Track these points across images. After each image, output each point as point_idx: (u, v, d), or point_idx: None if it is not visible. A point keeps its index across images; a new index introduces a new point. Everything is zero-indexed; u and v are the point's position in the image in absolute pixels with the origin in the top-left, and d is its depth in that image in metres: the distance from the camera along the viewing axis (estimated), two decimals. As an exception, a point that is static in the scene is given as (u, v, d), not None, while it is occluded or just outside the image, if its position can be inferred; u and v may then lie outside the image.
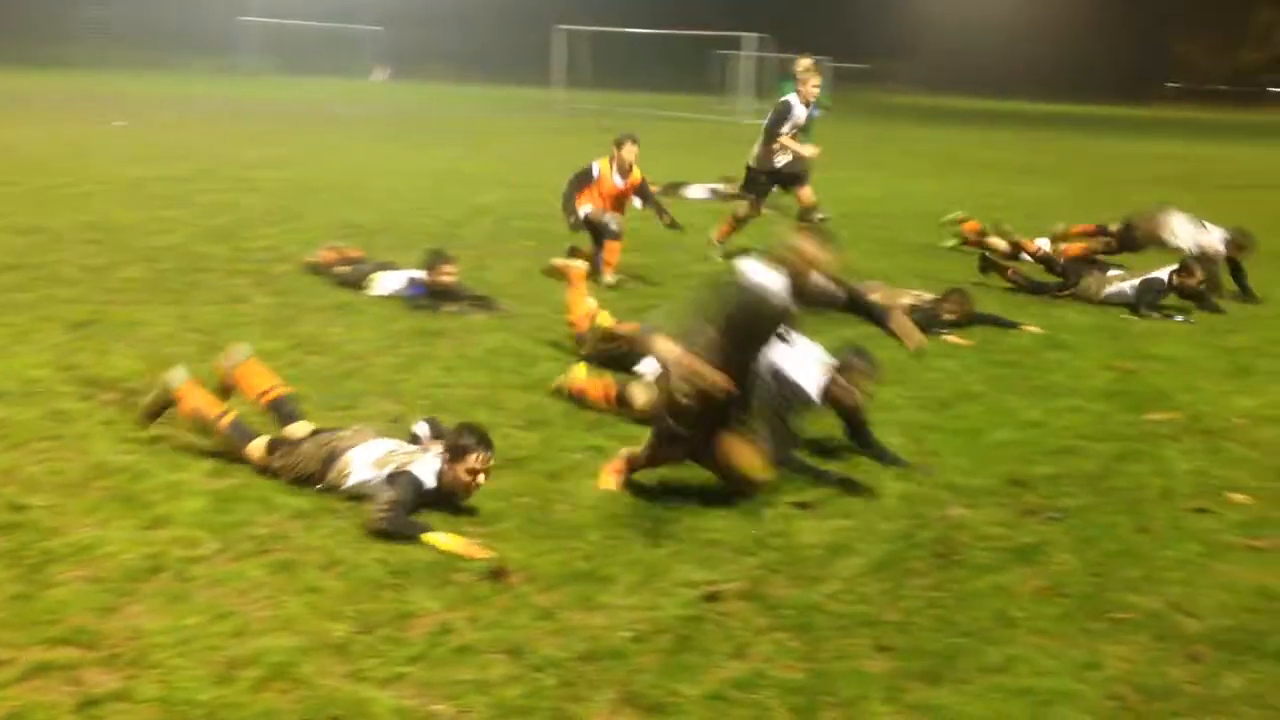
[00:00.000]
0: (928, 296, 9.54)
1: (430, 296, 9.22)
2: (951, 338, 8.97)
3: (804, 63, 12.85)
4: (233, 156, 20.16)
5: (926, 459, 6.20)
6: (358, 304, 9.31)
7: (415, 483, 5.05)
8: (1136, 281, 10.53)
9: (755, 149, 12.58)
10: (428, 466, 5.13)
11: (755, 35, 45.13)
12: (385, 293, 9.50)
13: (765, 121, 12.58)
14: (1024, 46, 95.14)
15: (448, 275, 9.35)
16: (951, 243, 13.65)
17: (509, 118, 37.50)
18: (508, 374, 7.51)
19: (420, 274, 9.39)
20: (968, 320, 9.28)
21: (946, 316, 9.19)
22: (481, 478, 5.12)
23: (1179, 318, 10.13)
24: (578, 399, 6.85)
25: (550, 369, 7.56)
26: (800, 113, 12.24)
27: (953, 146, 32.95)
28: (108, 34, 63.45)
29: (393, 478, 5.08)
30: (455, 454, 5.09)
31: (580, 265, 8.61)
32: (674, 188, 18.10)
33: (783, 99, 12.46)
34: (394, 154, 23.19)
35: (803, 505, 5.45)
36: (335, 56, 64.86)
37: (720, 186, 18.00)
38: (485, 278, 10.61)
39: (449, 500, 5.14)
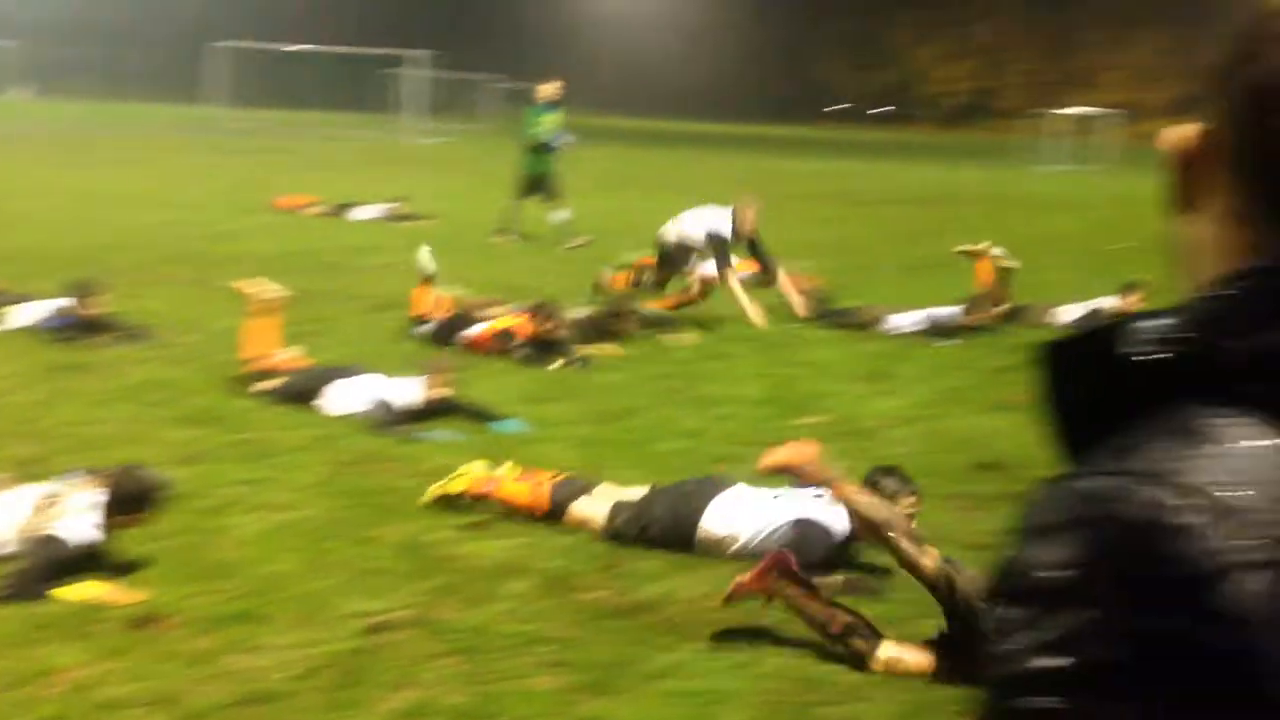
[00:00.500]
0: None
1: (77, 329, 8.59)
2: (606, 348, 9.14)
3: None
4: None
5: (597, 471, 6.29)
6: (-11, 339, 8.60)
7: (57, 545, 4.59)
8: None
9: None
10: (81, 521, 4.73)
11: (422, 53, 44.80)
12: (23, 325, 8.80)
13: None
14: (687, 69, 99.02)
15: (97, 306, 8.75)
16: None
17: (163, 137, 35.70)
18: (159, 408, 7.12)
19: (67, 304, 8.75)
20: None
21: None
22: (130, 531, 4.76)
23: None
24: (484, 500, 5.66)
25: (207, 401, 7.23)
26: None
27: (619, 165, 33.77)
28: None
29: (37, 542, 4.64)
30: (119, 506, 4.70)
31: (274, 293, 7.96)
32: (343, 209, 17.77)
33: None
34: (36, 175, 21.61)
35: (472, 528, 5.41)
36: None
37: (394, 206, 17.78)
38: (141, 306, 10.03)
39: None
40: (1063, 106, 50.83)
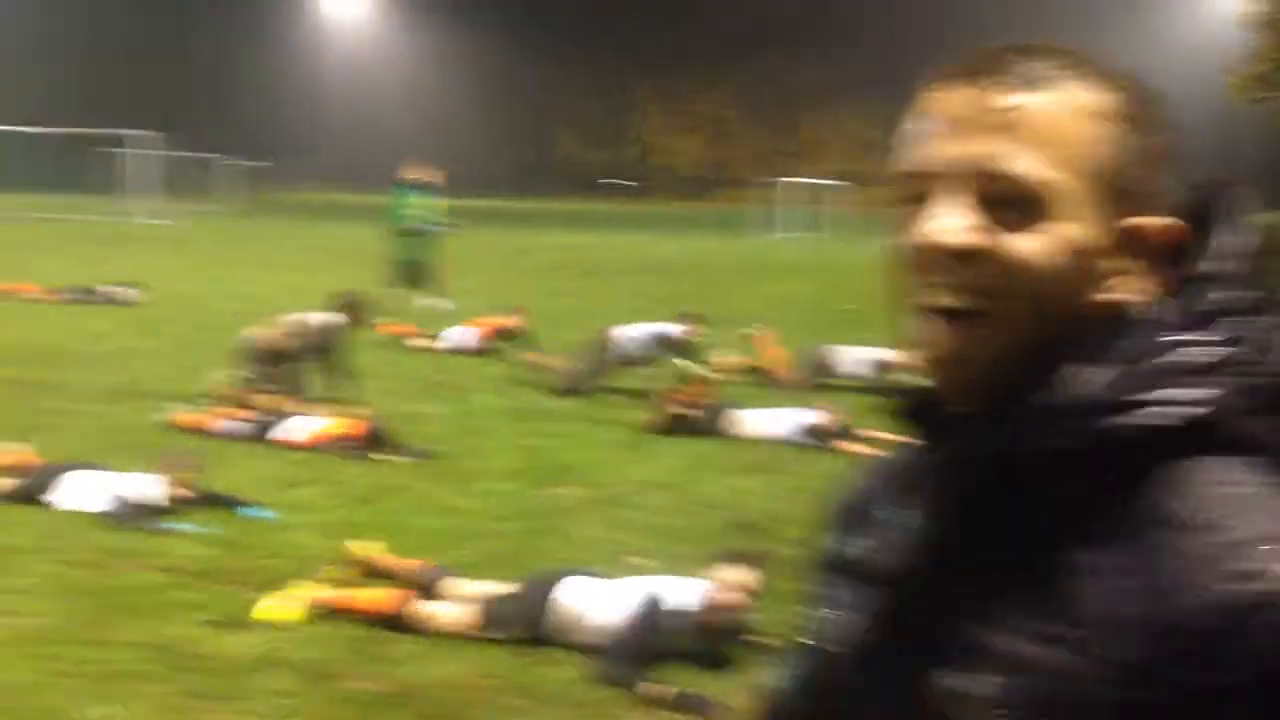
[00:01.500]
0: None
1: None
2: None
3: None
4: None
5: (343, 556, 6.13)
6: None
7: None
8: None
9: None
10: None
11: (149, 133, 43.15)
12: None
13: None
14: (425, 144, 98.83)
15: None
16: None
17: None
18: None
19: None
20: None
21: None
22: None
23: None
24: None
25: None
26: None
27: (354, 241, 33.30)
28: None
29: None
30: None
31: None
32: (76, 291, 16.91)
33: None
34: None
35: (225, 623, 5.17)
36: None
37: (121, 291, 17.00)
38: None
39: None
40: (791, 176, 53.15)
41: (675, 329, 11.12)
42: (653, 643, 4.86)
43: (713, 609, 4.93)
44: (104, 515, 6.50)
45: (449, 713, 4.49)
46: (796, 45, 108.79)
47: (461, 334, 13.31)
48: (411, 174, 16.46)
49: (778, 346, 11.94)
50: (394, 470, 7.98)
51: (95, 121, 47.64)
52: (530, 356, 11.77)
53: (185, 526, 6.46)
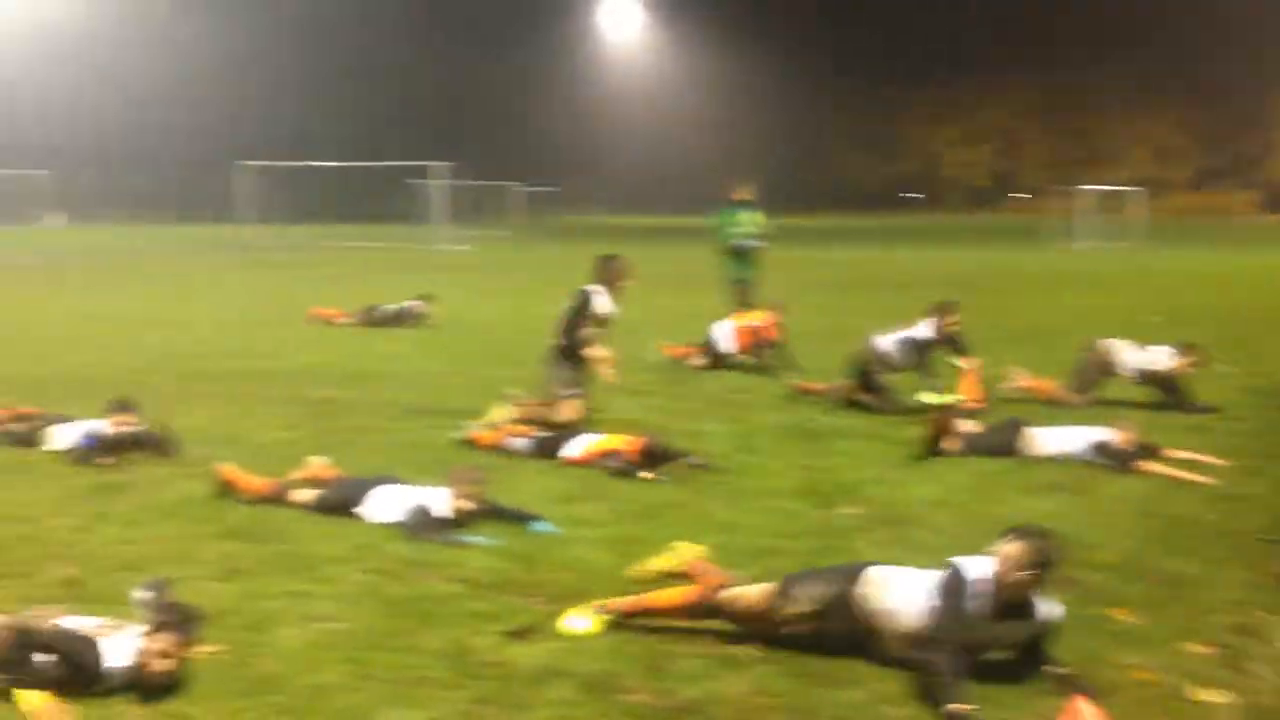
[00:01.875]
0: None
1: (106, 449, 8.67)
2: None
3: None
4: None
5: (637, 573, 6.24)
6: (30, 462, 8.69)
7: (85, 648, 4.65)
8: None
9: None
10: (121, 643, 4.74)
11: (444, 164, 45.59)
12: (62, 447, 8.90)
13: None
14: (703, 163, 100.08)
15: (128, 424, 8.86)
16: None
17: (192, 257, 36.30)
18: (199, 523, 7.14)
19: (99, 424, 8.86)
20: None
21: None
22: (170, 663, 4.69)
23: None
24: None
25: (246, 515, 7.26)
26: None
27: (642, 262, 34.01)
28: None
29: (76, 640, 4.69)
30: (154, 630, 4.71)
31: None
32: (371, 310, 18.16)
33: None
34: (68, 301, 22.00)
35: (515, 633, 5.38)
36: (3, 204, 61.35)
37: (414, 305, 18.17)
38: (179, 424, 10.11)
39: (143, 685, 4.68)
40: (1086, 184, 51.04)
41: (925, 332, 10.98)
42: (963, 622, 4.82)
43: (1003, 583, 4.91)
44: (401, 527, 6.88)
45: (727, 730, 4.50)
46: (1087, 49, 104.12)
47: (723, 333, 13.68)
48: (739, 193, 16.18)
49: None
50: (672, 487, 8.09)
51: (399, 155, 50.75)
52: (794, 382, 11.77)
53: (477, 539, 6.75)
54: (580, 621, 5.46)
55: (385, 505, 7.12)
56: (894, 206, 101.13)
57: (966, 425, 9.27)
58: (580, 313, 10.01)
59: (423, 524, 6.83)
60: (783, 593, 5.22)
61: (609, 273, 10.17)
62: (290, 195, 54.71)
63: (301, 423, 10.27)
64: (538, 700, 4.72)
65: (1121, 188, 53.78)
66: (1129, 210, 49.28)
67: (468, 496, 7.02)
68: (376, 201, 61.64)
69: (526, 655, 5.14)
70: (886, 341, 11.06)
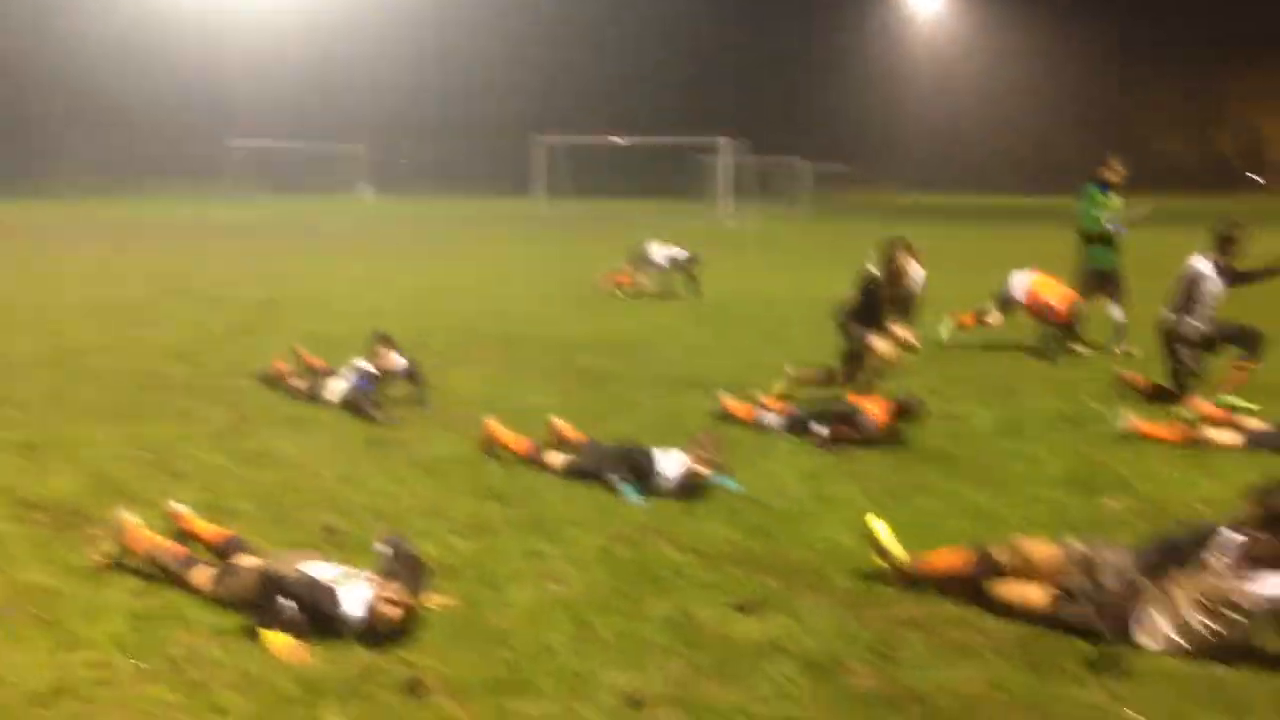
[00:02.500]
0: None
1: (378, 386, 9.25)
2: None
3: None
4: (204, 276, 20.25)
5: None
6: (312, 415, 9.23)
7: (325, 596, 4.88)
8: None
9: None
10: (356, 592, 4.95)
11: (732, 140, 45.76)
12: (338, 398, 9.44)
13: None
14: (1003, 141, 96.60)
15: (390, 359, 9.42)
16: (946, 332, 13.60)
17: (488, 229, 37.81)
18: (456, 480, 7.40)
19: (363, 364, 9.40)
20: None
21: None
22: (398, 611, 4.85)
23: None
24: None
25: (500, 474, 7.48)
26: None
27: (936, 241, 33.10)
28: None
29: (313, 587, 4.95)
30: (387, 579, 4.90)
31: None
32: (641, 254, 18.62)
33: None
34: (370, 269, 23.30)
35: (742, 606, 5.31)
36: (322, 175, 65.72)
37: (678, 254, 18.43)
38: (449, 385, 10.57)
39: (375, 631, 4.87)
40: None
41: None
42: None
43: None
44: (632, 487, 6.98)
45: (954, 722, 4.29)
46: None
47: (1020, 282, 13.27)
48: (1111, 172, 13.78)
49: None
50: (924, 468, 7.82)
51: (689, 131, 51.32)
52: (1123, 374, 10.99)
53: (728, 482, 7.00)
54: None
55: (624, 471, 7.19)
56: (1215, 188, 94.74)
57: (1252, 422, 8.56)
58: (866, 293, 9.76)
59: (658, 483, 6.92)
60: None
61: (890, 251, 9.78)
62: (582, 168, 56.17)
63: (570, 390, 10.50)
64: (758, 675, 4.63)
65: None
66: None
67: (704, 461, 7.00)
68: (665, 176, 62.54)
69: (749, 629, 5.06)
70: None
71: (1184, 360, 10.17)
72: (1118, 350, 12.95)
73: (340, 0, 74.18)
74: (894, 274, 9.65)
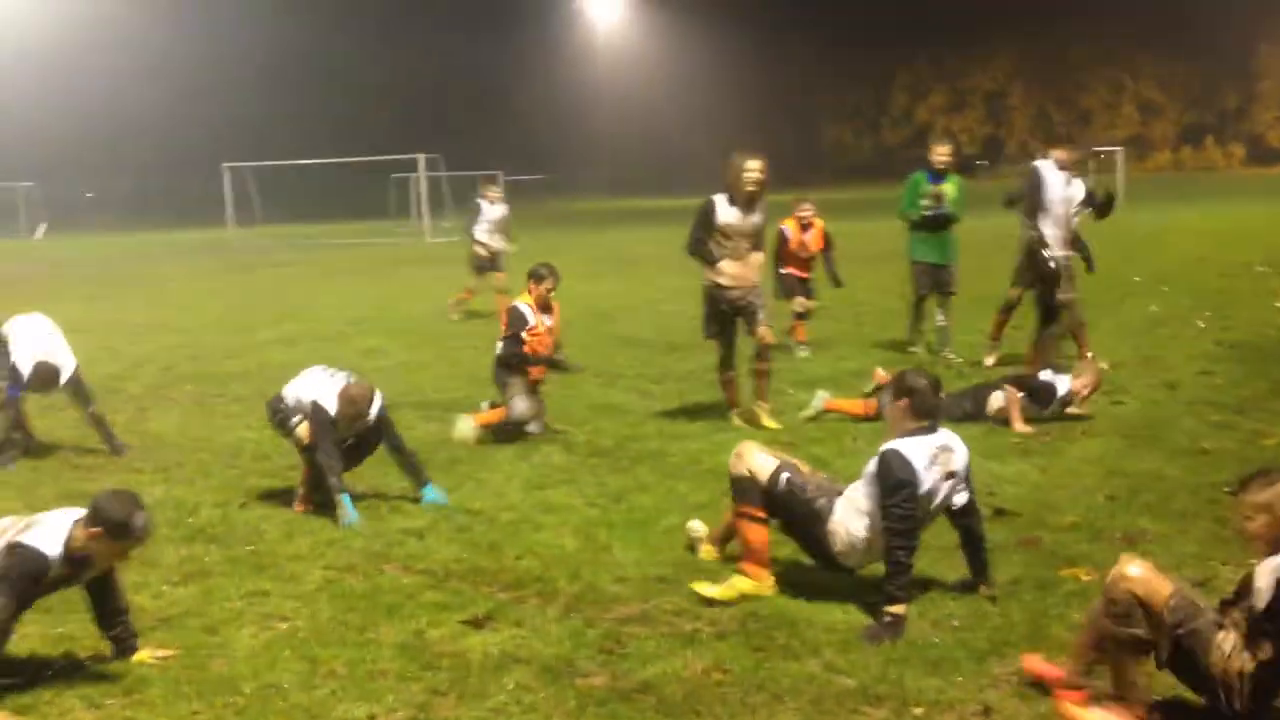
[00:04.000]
0: None
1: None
2: None
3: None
4: None
5: (599, 555, 6.24)
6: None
7: (31, 559, 4.64)
8: None
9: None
10: (51, 532, 4.72)
11: (426, 156, 45.48)
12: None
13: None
14: (689, 143, 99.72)
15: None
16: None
17: (178, 262, 36.20)
18: (164, 526, 7.08)
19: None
20: None
21: None
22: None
23: None
24: None
25: (213, 515, 7.25)
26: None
27: (628, 245, 33.93)
28: None
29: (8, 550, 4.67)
30: (101, 526, 4.69)
31: None
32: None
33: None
34: (51, 311, 21.88)
35: (472, 622, 5.36)
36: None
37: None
38: (147, 428, 10.14)
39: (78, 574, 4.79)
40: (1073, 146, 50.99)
41: None
42: None
43: None
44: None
45: (685, 709, 4.48)
46: (1069, 13, 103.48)
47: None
48: (939, 154, 12.13)
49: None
50: (639, 469, 8.08)
51: (385, 150, 50.67)
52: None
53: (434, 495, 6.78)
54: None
55: None
56: (885, 176, 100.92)
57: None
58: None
59: None
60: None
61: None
62: (275, 196, 54.53)
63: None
64: (494, 688, 4.70)
65: (1109, 148, 53.79)
66: (1115, 170, 49.31)
67: None
68: (362, 197, 61.49)
69: (483, 644, 5.13)
70: None
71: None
72: (950, 356, 11.94)
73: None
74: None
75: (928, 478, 5.22)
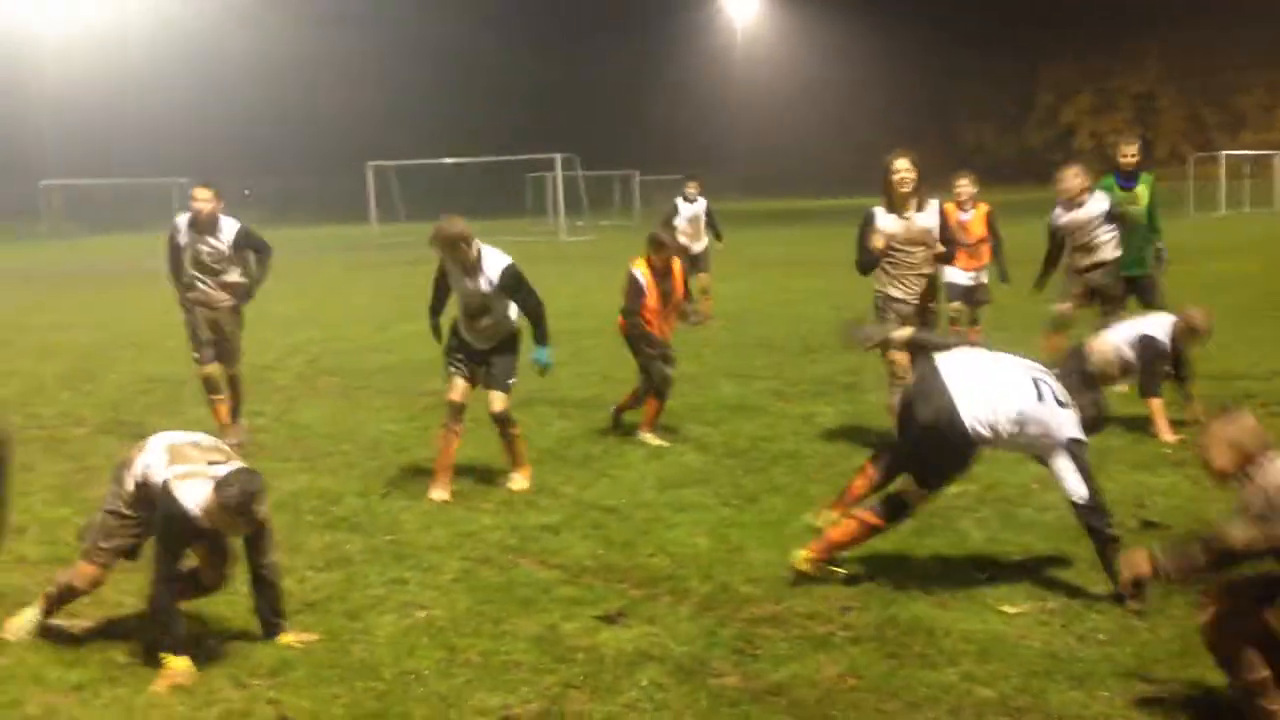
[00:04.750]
0: None
1: None
2: None
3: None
4: (26, 323, 19.44)
5: (731, 555, 6.24)
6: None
7: (178, 518, 4.84)
8: None
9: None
10: (197, 489, 4.86)
11: (563, 156, 45.93)
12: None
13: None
14: (824, 147, 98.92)
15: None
16: None
17: (323, 257, 37.21)
18: (309, 514, 7.32)
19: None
20: None
21: None
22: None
23: None
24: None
25: (355, 505, 7.44)
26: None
27: (760, 247, 33.77)
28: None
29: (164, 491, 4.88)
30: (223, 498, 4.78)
31: None
32: None
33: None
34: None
35: (606, 618, 5.40)
36: (143, 211, 63.53)
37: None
38: (294, 418, 10.44)
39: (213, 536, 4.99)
40: (1228, 149, 49.46)
41: None
42: None
43: None
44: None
45: (818, 713, 4.44)
46: (1224, 9, 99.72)
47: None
48: (1126, 154, 10.97)
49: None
50: (775, 469, 8.04)
51: (525, 150, 51.35)
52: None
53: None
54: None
55: None
56: (1026, 178, 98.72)
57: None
58: None
59: None
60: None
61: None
62: (416, 193, 55.62)
63: (418, 415, 10.44)
64: (627, 684, 4.72)
65: (1265, 152, 51.89)
66: (1274, 174, 47.57)
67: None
68: (499, 196, 62.36)
69: (617, 639, 5.15)
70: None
71: None
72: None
73: (148, 30, 71.99)
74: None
75: None
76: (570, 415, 10.06)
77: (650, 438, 8.96)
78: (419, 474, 8.10)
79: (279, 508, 7.44)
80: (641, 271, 9.07)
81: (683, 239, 15.51)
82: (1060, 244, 10.31)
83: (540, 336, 7.77)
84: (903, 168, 8.16)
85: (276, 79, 76.69)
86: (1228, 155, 47.97)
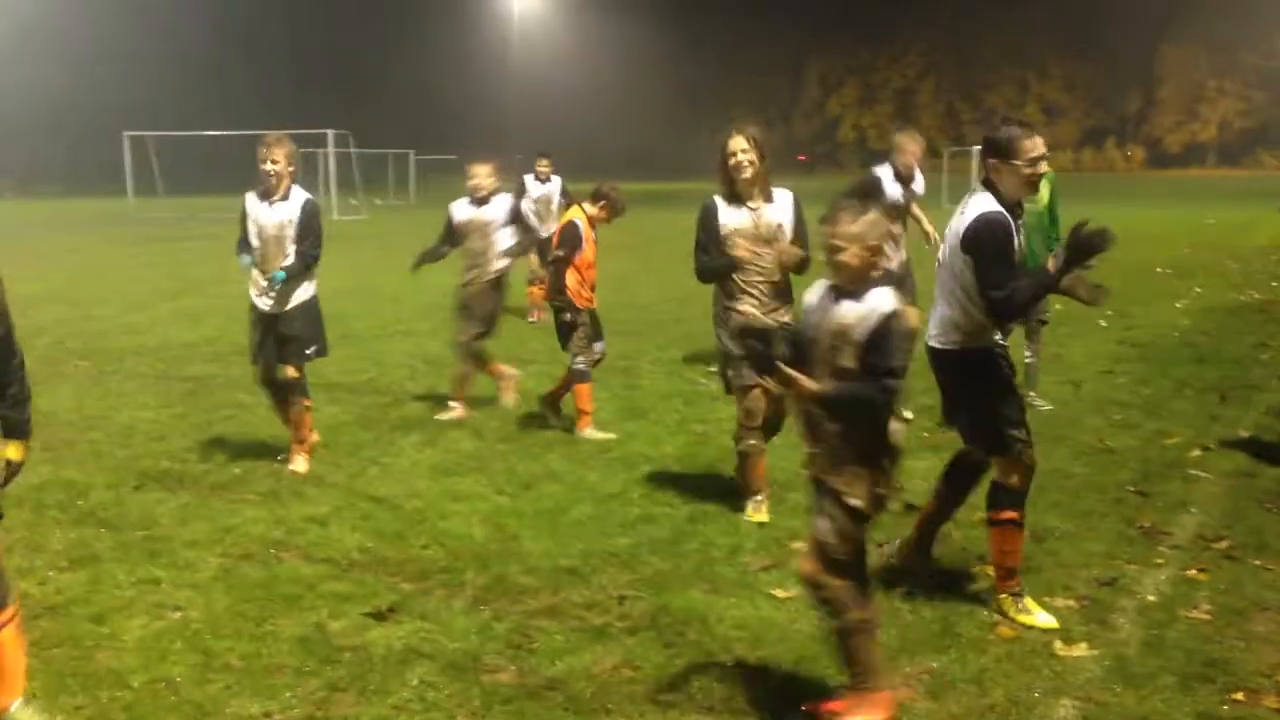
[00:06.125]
0: None
1: None
2: None
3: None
4: None
5: (507, 545, 6.12)
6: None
7: None
8: None
9: None
10: None
11: (335, 132, 44.72)
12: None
13: None
14: (601, 132, 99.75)
15: None
16: None
17: (75, 233, 35.16)
18: (52, 509, 6.82)
19: None
20: None
21: None
22: None
23: None
24: None
25: (104, 498, 6.97)
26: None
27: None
28: None
29: None
30: None
31: None
32: None
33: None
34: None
35: (375, 614, 5.19)
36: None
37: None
38: (36, 404, 9.72)
39: None
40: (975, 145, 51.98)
41: None
42: None
43: None
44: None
45: (594, 707, 4.37)
46: (974, 10, 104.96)
47: None
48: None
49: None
50: (550, 456, 7.95)
51: (292, 125, 49.68)
52: None
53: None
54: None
55: None
56: (789, 169, 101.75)
57: None
58: None
59: None
60: None
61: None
62: (178, 166, 53.19)
63: (173, 401, 9.93)
64: (396, 684, 4.54)
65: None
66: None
67: None
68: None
69: (386, 637, 4.96)
70: None
71: None
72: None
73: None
74: None
75: None
76: (340, 400, 9.73)
77: (592, 433, 8.57)
78: (174, 464, 7.68)
79: (17, 503, 6.94)
80: (581, 221, 8.62)
81: (532, 221, 13.85)
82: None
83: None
84: (738, 148, 6.51)
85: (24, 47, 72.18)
86: (979, 149, 50.54)
